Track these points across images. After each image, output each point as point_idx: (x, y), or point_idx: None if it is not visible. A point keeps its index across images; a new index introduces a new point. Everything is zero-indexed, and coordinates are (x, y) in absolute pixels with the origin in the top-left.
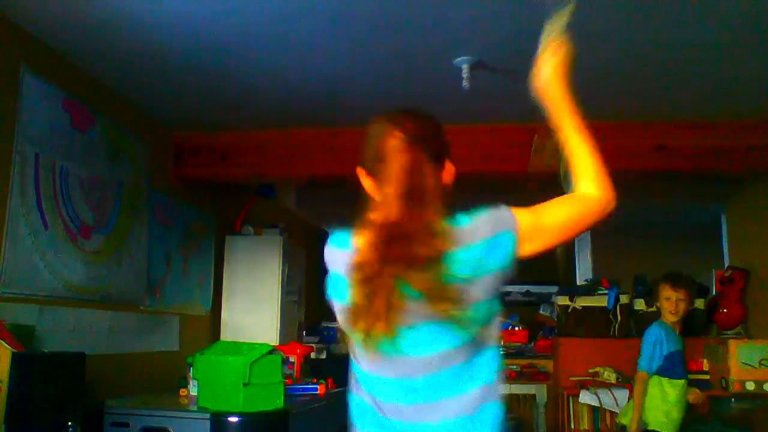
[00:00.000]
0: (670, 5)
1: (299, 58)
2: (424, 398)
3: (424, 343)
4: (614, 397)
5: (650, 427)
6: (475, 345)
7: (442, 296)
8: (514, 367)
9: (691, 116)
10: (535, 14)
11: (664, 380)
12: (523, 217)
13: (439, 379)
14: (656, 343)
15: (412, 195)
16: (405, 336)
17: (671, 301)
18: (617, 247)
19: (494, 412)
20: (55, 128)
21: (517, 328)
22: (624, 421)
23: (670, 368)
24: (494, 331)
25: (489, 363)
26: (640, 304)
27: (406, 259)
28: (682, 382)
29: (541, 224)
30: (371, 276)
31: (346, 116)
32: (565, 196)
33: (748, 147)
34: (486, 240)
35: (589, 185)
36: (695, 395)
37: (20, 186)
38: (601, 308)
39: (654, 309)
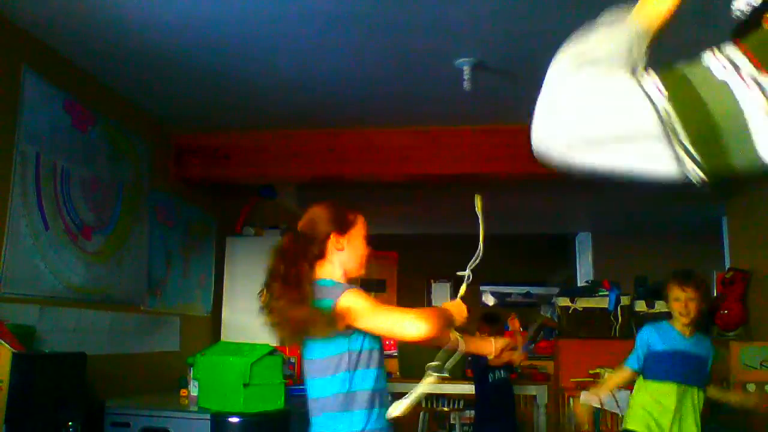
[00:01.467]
0: None
1: (300, 58)
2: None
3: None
4: (615, 398)
5: (628, 426)
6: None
7: None
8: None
9: None
10: (535, 16)
11: (648, 382)
12: (349, 300)
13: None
14: (642, 343)
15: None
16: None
17: (680, 302)
18: (618, 248)
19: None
20: (56, 128)
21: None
22: (630, 426)
23: (652, 368)
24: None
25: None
26: (641, 306)
27: None
28: (667, 385)
29: (357, 316)
30: None
31: (346, 117)
32: (395, 311)
33: None
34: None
35: (415, 319)
36: (751, 400)
37: (21, 186)
38: (602, 309)
39: (655, 310)
